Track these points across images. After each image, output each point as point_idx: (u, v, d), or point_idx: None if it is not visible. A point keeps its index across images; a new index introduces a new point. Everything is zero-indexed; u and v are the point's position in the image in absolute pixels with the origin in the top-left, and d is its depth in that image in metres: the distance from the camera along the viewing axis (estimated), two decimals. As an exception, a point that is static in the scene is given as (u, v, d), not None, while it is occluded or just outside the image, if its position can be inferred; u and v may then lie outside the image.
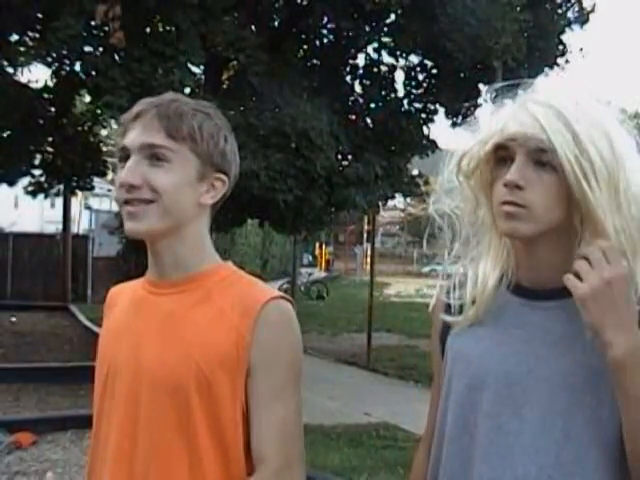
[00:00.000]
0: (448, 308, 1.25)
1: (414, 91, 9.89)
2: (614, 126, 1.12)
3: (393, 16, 9.06)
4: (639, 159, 1.12)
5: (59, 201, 16.52)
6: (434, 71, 9.73)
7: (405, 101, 9.86)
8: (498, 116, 1.16)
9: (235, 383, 1.23)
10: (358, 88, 9.81)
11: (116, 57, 7.48)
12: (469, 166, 1.18)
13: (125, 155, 1.26)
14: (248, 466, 1.25)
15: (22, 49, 8.06)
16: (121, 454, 1.26)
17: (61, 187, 11.65)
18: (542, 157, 1.08)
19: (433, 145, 9.85)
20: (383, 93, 9.70)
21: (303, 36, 9.78)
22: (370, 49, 9.76)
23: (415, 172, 10.71)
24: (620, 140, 1.11)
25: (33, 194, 11.02)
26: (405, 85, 9.91)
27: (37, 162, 9.99)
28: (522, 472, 1.09)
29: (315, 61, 9.85)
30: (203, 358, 1.23)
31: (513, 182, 1.08)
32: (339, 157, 8.95)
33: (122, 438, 1.26)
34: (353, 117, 9.47)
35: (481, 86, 9.46)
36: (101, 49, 7.49)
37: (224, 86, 9.06)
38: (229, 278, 1.32)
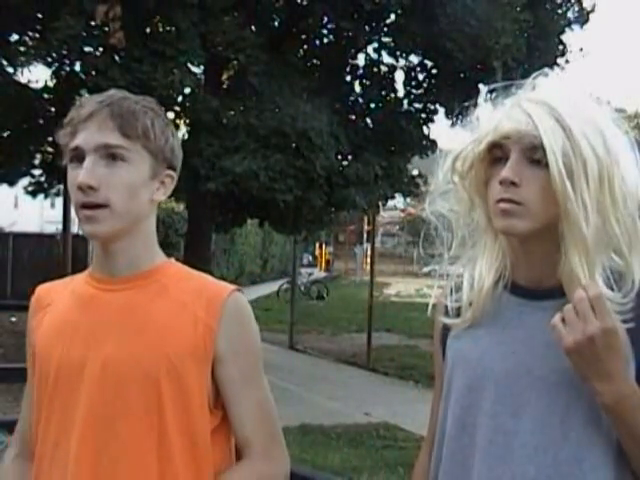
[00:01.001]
0: (447, 310, 1.25)
1: (414, 91, 9.89)
2: (607, 123, 1.12)
3: (393, 16, 9.07)
4: (633, 155, 1.12)
5: (59, 201, 16.50)
6: (434, 71, 9.73)
7: (405, 101, 9.86)
8: (492, 115, 1.16)
9: (202, 372, 1.27)
10: (358, 88, 9.81)
11: (116, 57, 7.49)
12: (464, 166, 1.18)
13: (78, 156, 1.26)
14: (215, 452, 1.29)
15: (22, 49, 8.05)
16: (85, 453, 1.24)
17: (61, 187, 11.65)
18: (536, 154, 1.08)
19: (433, 145, 9.84)
20: (383, 93, 9.70)
21: (303, 36, 9.78)
22: (370, 49, 9.77)
23: (415, 172, 10.71)
24: (613, 136, 1.11)
25: (33, 194, 11.03)
26: (405, 85, 9.91)
27: (37, 162, 10.00)
28: (520, 472, 1.09)
29: (315, 61, 9.85)
30: (172, 349, 1.26)
31: (508, 179, 1.09)
32: (339, 157, 8.95)
33: (86, 435, 1.24)
34: (353, 117, 9.47)
35: (481, 86, 9.45)
36: (101, 49, 7.50)
37: (224, 86, 9.05)
38: (180, 273, 1.36)
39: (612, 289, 1.08)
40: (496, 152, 1.13)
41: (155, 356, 1.25)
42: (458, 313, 1.23)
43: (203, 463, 1.27)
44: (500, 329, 1.17)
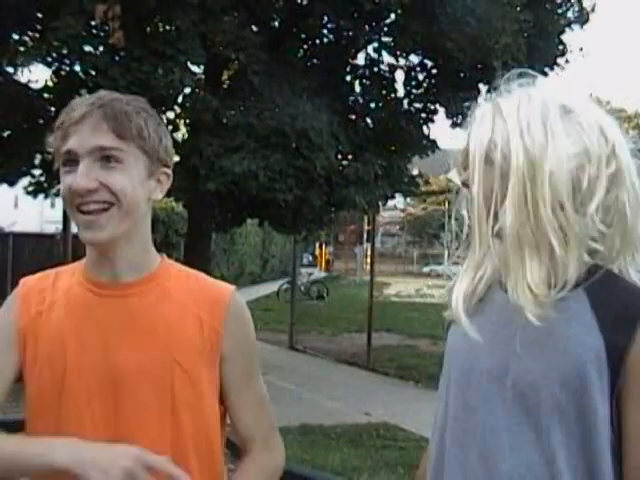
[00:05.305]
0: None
1: (414, 91, 9.88)
2: (555, 125, 1.12)
3: (393, 16, 9.06)
4: (567, 151, 1.11)
5: (59, 201, 16.51)
6: (434, 71, 9.72)
7: (405, 101, 9.85)
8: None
9: (211, 373, 1.30)
10: (358, 88, 9.80)
11: (116, 57, 7.48)
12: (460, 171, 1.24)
13: (71, 159, 1.24)
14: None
15: (22, 49, 8.04)
16: None
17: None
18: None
19: (433, 145, 9.84)
20: (383, 93, 9.69)
21: (303, 36, 9.77)
22: (370, 49, 9.75)
23: (415, 172, 10.70)
24: (557, 139, 1.11)
25: (33, 194, 11.02)
26: (405, 85, 9.90)
27: (37, 162, 9.99)
28: (496, 470, 1.11)
29: (315, 61, 9.84)
30: (182, 352, 1.27)
31: (464, 182, 1.17)
32: (339, 157, 8.94)
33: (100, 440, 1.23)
34: (353, 117, 9.46)
35: (481, 86, 9.45)
36: (101, 49, 7.49)
37: (224, 86, 9.05)
38: (178, 273, 1.36)
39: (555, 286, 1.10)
40: None
41: (166, 361, 1.27)
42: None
43: (215, 459, 1.32)
44: (489, 325, 1.19)
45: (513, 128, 1.11)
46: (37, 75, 8.85)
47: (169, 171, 1.34)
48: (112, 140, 1.24)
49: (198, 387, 1.28)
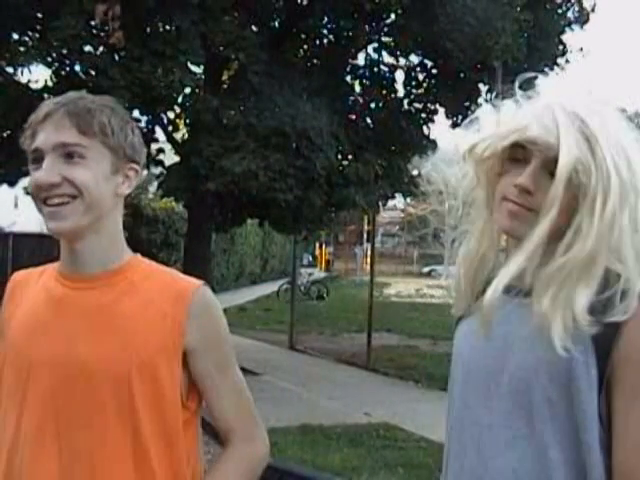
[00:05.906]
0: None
1: (414, 91, 9.89)
2: (632, 143, 1.11)
3: (393, 16, 9.05)
4: None
5: (59, 201, 16.50)
6: (434, 71, 9.72)
7: (405, 101, 9.86)
8: (520, 112, 1.15)
9: (172, 366, 1.30)
10: (358, 88, 9.80)
11: (116, 57, 7.48)
12: (483, 154, 1.18)
13: (38, 157, 1.28)
14: (187, 444, 1.33)
15: (22, 49, 8.04)
16: (54, 449, 1.26)
17: (61, 187, 11.63)
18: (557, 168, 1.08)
19: (433, 145, 9.84)
20: (383, 93, 9.70)
21: (303, 36, 9.77)
22: (370, 49, 9.77)
23: (415, 172, 10.70)
24: (637, 158, 1.11)
25: (33, 194, 11.03)
26: (405, 85, 9.91)
27: (37, 162, 9.99)
28: (491, 464, 1.13)
29: (315, 61, 9.84)
30: (142, 346, 1.28)
31: (523, 186, 1.10)
32: (339, 157, 8.94)
33: (60, 433, 1.26)
34: (353, 117, 9.47)
35: (481, 86, 9.45)
36: (101, 49, 7.49)
37: (224, 86, 9.05)
38: (147, 269, 1.38)
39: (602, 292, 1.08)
40: (517, 152, 1.13)
41: (126, 355, 1.27)
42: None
43: (176, 456, 1.31)
44: (493, 325, 1.19)
45: (606, 150, 1.07)
46: (37, 75, 8.85)
47: (137, 167, 1.37)
48: (74, 136, 1.27)
49: (158, 380, 1.28)
